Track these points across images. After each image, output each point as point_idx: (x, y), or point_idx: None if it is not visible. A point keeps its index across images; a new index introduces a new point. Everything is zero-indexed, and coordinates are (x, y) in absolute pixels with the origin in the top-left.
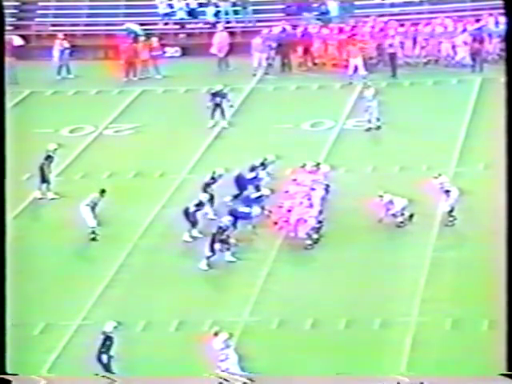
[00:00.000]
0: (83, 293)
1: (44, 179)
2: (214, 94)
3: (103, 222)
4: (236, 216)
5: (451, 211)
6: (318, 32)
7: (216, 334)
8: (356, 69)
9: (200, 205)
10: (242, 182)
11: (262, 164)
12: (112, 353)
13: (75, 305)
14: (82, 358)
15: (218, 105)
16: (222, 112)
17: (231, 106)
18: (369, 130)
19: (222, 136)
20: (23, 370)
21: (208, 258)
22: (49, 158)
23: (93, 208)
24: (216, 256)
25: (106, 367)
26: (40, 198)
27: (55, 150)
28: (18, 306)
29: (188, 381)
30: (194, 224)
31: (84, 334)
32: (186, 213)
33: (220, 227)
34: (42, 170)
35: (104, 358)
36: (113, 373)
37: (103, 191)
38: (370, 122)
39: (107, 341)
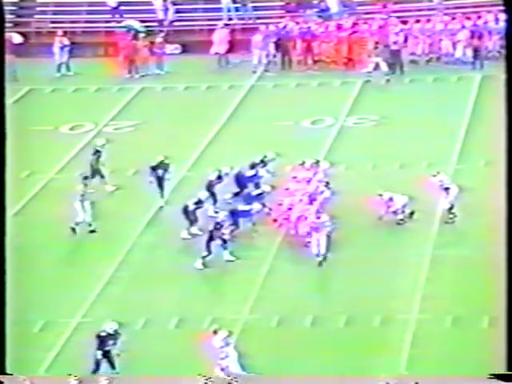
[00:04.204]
0: (82, 290)
1: (93, 174)
2: (154, 168)
3: (103, 219)
4: (237, 214)
5: (451, 208)
6: (318, 29)
7: (216, 332)
8: (377, 66)
9: (199, 203)
10: (242, 179)
11: (262, 161)
12: (117, 351)
13: (74, 302)
14: (82, 356)
15: (160, 178)
16: (161, 188)
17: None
18: None
19: (222, 133)
20: (22, 368)
21: (204, 257)
22: (97, 152)
23: (82, 201)
24: (212, 255)
25: (108, 364)
26: (91, 192)
27: (103, 145)
28: (17, 304)
29: (174, 381)
30: (192, 222)
31: (83, 332)
32: (185, 211)
33: (217, 223)
34: (91, 165)
35: (112, 354)
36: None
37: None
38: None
39: (114, 338)
